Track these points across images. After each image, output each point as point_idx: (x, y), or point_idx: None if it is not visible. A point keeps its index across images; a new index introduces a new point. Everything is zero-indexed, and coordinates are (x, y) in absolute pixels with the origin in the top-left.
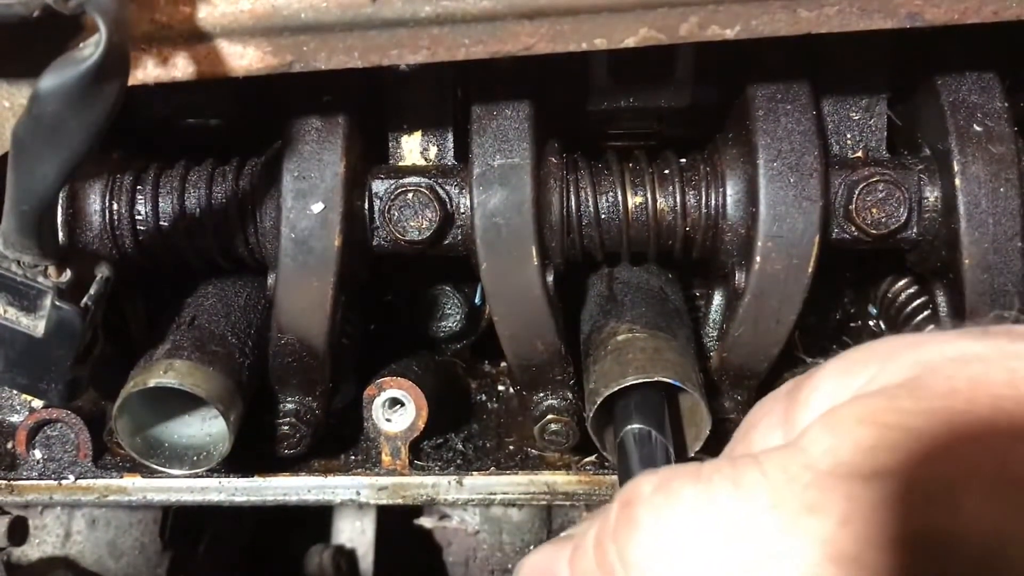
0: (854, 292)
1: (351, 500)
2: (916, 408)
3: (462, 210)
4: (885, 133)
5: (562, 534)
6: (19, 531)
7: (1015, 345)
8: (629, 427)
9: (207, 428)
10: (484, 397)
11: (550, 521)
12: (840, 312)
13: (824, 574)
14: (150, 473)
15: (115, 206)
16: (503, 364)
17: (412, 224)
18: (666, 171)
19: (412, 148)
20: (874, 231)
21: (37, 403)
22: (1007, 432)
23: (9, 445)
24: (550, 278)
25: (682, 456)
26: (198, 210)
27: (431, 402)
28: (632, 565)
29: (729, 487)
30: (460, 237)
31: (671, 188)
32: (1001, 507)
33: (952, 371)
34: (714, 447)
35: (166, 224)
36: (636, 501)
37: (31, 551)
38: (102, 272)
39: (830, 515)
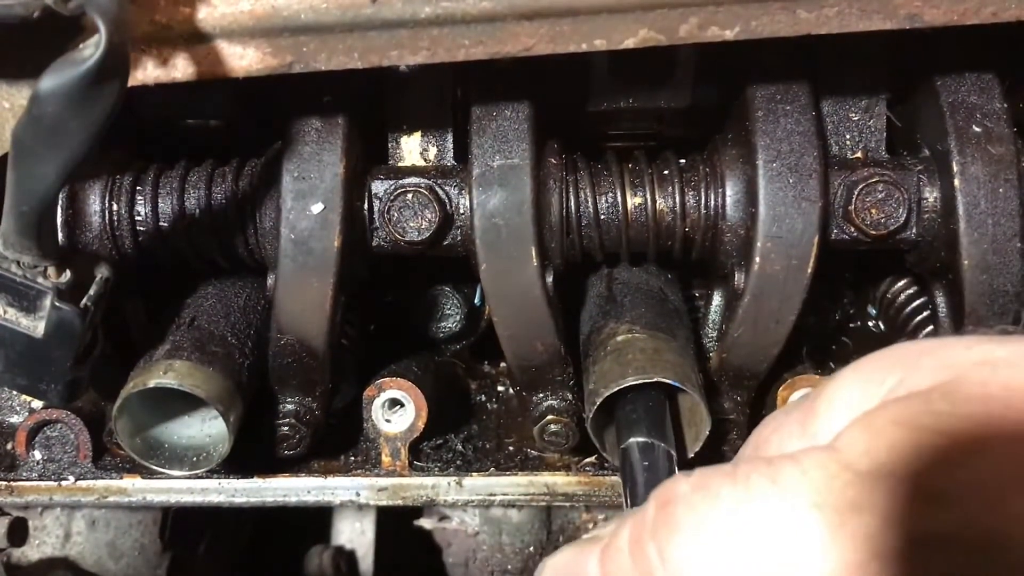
0: (853, 293)
1: (351, 501)
2: (953, 411)
3: (462, 211)
4: (884, 134)
5: (584, 536)
6: (19, 532)
7: None
8: (633, 439)
9: (207, 429)
10: (484, 398)
11: (550, 522)
12: (840, 313)
13: (871, 571)
14: (150, 474)
15: (115, 207)
16: (503, 365)
17: (412, 225)
18: (665, 172)
19: (412, 149)
20: (873, 232)
21: (37, 404)
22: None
23: (9, 446)
24: (550, 279)
25: (683, 458)
26: (198, 211)
27: (431, 403)
28: (674, 564)
29: (768, 485)
30: (460, 238)
31: (670, 189)
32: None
33: (983, 376)
34: (714, 447)
35: (166, 225)
36: (675, 500)
37: (31, 552)
38: (102, 273)
39: (874, 513)
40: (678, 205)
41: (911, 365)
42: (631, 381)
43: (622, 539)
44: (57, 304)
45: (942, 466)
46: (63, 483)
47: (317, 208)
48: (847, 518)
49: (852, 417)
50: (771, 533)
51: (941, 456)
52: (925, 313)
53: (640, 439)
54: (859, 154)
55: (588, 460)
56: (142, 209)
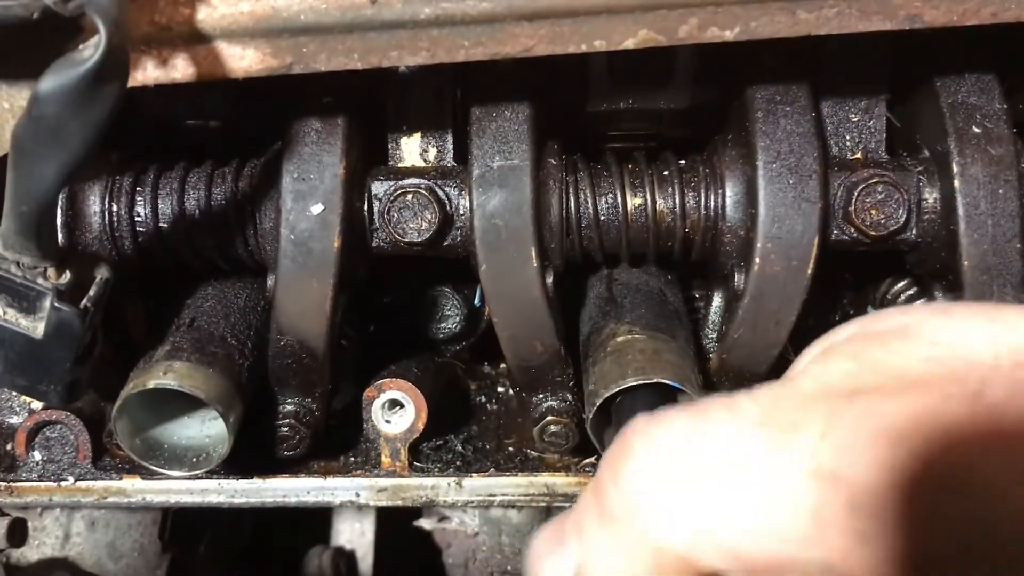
0: (853, 293)
1: (350, 502)
2: (904, 348)
3: (461, 211)
4: (884, 135)
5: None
6: (18, 533)
7: (995, 312)
8: None
9: (206, 429)
10: (483, 398)
11: None
12: (839, 314)
13: (805, 489)
14: (149, 475)
15: (114, 207)
16: (503, 365)
17: (411, 225)
18: (665, 172)
19: (412, 149)
20: (873, 232)
21: (36, 405)
22: (981, 383)
23: (8, 447)
24: (549, 279)
25: None
26: (197, 212)
27: (430, 403)
28: (624, 482)
29: (723, 410)
30: (459, 238)
31: (670, 189)
32: (972, 435)
33: (938, 323)
34: None
35: (165, 226)
36: (630, 432)
37: (30, 553)
38: (101, 273)
39: (812, 430)
40: (678, 206)
41: (870, 318)
42: (631, 382)
43: (589, 487)
44: (57, 305)
45: (881, 387)
46: (63, 484)
47: (317, 209)
48: (787, 437)
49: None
50: (717, 451)
51: (883, 379)
52: None
53: None
54: (859, 155)
55: (588, 461)
56: (142, 210)
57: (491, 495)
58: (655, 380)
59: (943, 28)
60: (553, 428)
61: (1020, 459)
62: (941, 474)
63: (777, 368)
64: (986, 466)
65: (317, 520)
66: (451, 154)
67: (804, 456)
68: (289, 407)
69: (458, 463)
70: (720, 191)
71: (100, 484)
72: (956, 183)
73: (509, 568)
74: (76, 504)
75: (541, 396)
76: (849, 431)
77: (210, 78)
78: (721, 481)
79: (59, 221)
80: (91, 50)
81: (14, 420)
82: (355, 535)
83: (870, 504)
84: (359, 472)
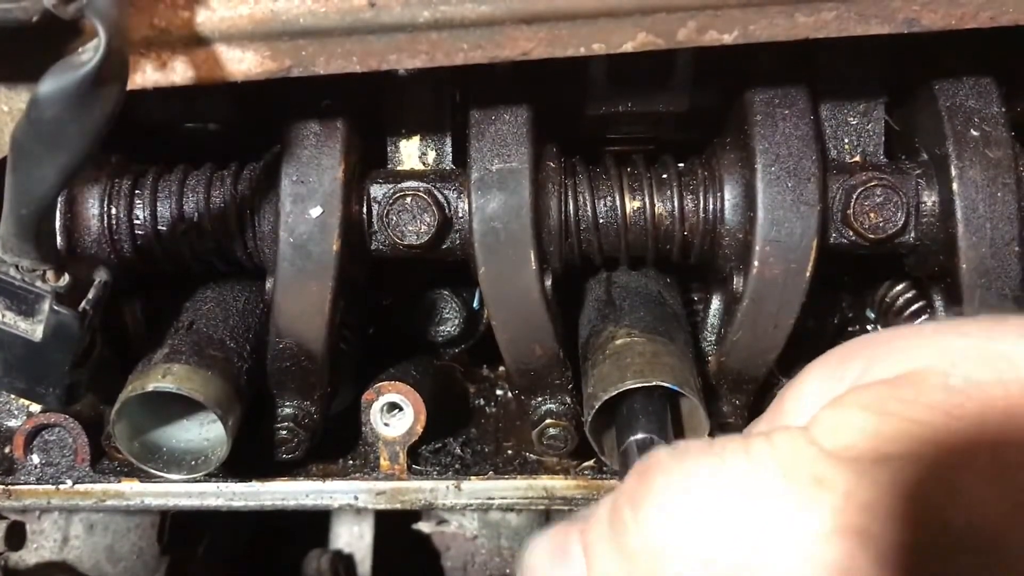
0: (852, 296)
1: (349, 505)
2: (919, 400)
3: (460, 214)
4: (883, 138)
5: (573, 516)
6: (17, 536)
7: (995, 344)
8: (632, 437)
9: (205, 433)
10: (482, 401)
11: (549, 525)
12: (838, 316)
13: (830, 546)
14: (148, 478)
15: (113, 210)
16: (501, 368)
17: (410, 228)
18: (664, 175)
19: (410, 152)
20: (872, 236)
21: (35, 407)
22: (1000, 426)
23: (7, 450)
24: (548, 282)
25: None
26: (196, 214)
27: (429, 406)
28: (645, 524)
29: (741, 455)
30: (458, 241)
31: (669, 192)
32: (995, 491)
33: (946, 369)
34: None
35: (164, 228)
36: (653, 467)
37: (29, 556)
38: (100, 276)
39: (836, 489)
40: (676, 209)
41: (874, 354)
42: (630, 385)
43: (603, 510)
44: (56, 308)
45: (904, 452)
46: (61, 487)
47: (316, 212)
48: (813, 491)
49: (819, 407)
50: (741, 499)
51: (905, 443)
52: (924, 317)
53: (639, 436)
54: (857, 158)
55: (587, 464)
56: (141, 213)
57: (490, 498)
58: (654, 383)
59: (941, 32)
60: (552, 431)
61: None
62: (972, 538)
63: (776, 371)
64: (1010, 530)
65: (316, 523)
66: (450, 157)
67: (829, 514)
68: (288, 410)
69: (457, 466)
70: (719, 194)
71: (98, 487)
72: (954, 186)
73: (508, 571)
74: (74, 507)
75: (540, 399)
76: (878, 492)
77: (209, 81)
78: (744, 535)
79: (58, 224)
80: (90, 53)
81: (12, 423)
82: (354, 538)
83: (900, 559)
84: (358, 475)
